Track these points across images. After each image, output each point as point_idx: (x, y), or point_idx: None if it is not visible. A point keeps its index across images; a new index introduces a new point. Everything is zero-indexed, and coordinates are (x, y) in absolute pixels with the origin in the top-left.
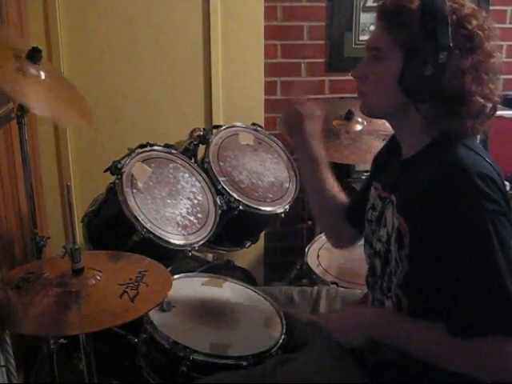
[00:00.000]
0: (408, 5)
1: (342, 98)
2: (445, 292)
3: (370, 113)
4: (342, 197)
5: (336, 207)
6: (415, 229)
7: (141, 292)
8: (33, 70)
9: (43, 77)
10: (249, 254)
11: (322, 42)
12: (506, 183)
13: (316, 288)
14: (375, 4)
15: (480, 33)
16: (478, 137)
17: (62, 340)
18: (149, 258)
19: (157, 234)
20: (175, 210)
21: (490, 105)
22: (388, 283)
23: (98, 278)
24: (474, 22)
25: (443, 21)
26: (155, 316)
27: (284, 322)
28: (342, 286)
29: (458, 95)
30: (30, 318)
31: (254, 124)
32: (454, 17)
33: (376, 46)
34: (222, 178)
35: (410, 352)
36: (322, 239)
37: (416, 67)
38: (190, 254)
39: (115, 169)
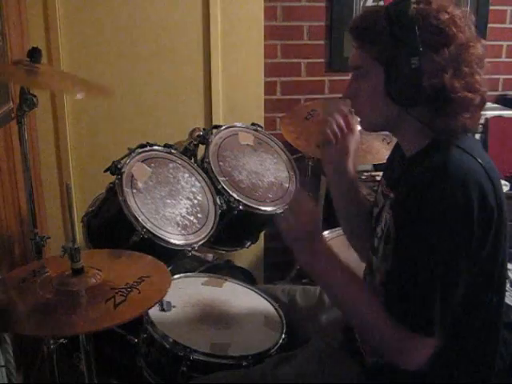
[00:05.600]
0: (374, 18)
1: (341, 98)
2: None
3: (370, 128)
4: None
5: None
6: (398, 226)
7: (128, 299)
8: (39, 66)
9: (50, 69)
10: (249, 254)
11: (322, 42)
12: (506, 183)
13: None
14: (375, 4)
15: (450, 26)
16: (478, 136)
17: (62, 340)
18: (162, 264)
19: (157, 234)
20: (175, 210)
21: (478, 97)
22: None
23: (99, 277)
24: (443, 16)
25: (408, 25)
26: (155, 316)
27: (284, 321)
28: None
29: (440, 94)
30: (30, 318)
31: (253, 124)
32: (420, 17)
33: (357, 65)
34: (222, 178)
35: (349, 315)
36: None
37: (395, 76)
38: (190, 254)
39: (115, 169)
